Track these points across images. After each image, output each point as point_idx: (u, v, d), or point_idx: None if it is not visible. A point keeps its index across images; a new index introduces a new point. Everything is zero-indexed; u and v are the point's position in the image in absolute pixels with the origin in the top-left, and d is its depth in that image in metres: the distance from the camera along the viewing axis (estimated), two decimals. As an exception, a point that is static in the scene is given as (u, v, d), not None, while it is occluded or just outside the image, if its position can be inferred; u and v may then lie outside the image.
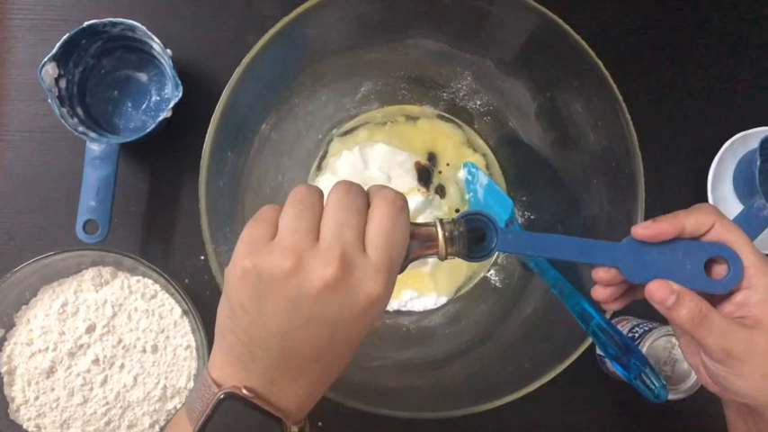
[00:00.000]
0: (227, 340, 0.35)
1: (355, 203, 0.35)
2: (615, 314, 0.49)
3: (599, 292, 0.41)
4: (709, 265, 0.38)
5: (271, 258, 0.33)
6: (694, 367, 0.41)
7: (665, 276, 0.38)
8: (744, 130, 0.63)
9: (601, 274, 0.40)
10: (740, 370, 0.37)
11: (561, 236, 0.39)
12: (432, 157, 0.62)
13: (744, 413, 0.40)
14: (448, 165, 0.62)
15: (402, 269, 0.38)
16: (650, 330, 0.55)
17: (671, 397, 0.54)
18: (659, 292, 0.37)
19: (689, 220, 0.38)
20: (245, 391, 0.34)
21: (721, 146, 0.63)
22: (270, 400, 0.34)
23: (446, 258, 0.38)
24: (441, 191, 0.62)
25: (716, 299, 0.38)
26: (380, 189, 0.36)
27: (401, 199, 0.35)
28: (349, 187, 0.36)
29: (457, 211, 0.62)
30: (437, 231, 0.37)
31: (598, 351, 0.61)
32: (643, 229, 0.38)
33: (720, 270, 0.38)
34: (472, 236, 0.38)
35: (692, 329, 0.37)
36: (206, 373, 0.36)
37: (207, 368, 0.36)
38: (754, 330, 0.37)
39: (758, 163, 0.58)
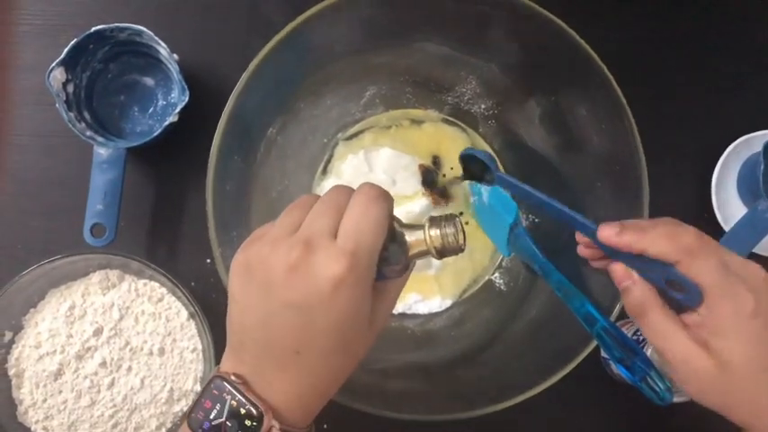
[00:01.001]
0: (228, 332, 0.37)
1: (337, 200, 0.36)
2: (620, 316, 0.49)
3: (582, 251, 0.43)
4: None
5: (254, 248, 0.36)
6: None
7: (633, 264, 0.39)
8: (748, 133, 0.63)
9: (579, 236, 0.43)
10: (674, 375, 0.38)
11: (549, 199, 0.42)
12: (436, 161, 0.63)
13: None
14: (452, 168, 0.62)
15: (404, 269, 0.38)
16: (655, 333, 0.55)
17: (676, 399, 0.54)
18: (618, 274, 0.39)
19: (653, 248, 0.37)
20: (232, 377, 0.35)
21: (725, 149, 0.63)
22: (256, 392, 0.35)
23: (441, 257, 0.38)
24: (445, 194, 0.62)
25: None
26: (361, 184, 0.37)
27: (375, 190, 0.36)
28: (339, 188, 0.37)
29: (461, 213, 0.62)
30: (425, 230, 0.37)
31: (603, 354, 0.61)
32: (606, 236, 0.38)
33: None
34: (471, 172, 0.43)
35: (634, 318, 0.39)
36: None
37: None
38: (702, 351, 0.37)
39: (762, 166, 0.58)
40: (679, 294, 0.38)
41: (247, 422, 0.35)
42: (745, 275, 0.37)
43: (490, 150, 0.63)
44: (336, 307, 0.34)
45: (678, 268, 0.37)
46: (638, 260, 0.38)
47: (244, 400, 0.35)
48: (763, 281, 0.37)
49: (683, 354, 0.37)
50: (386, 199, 0.36)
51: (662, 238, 0.37)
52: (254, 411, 0.34)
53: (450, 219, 0.37)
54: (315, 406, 0.37)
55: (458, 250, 0.37)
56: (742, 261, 0.38)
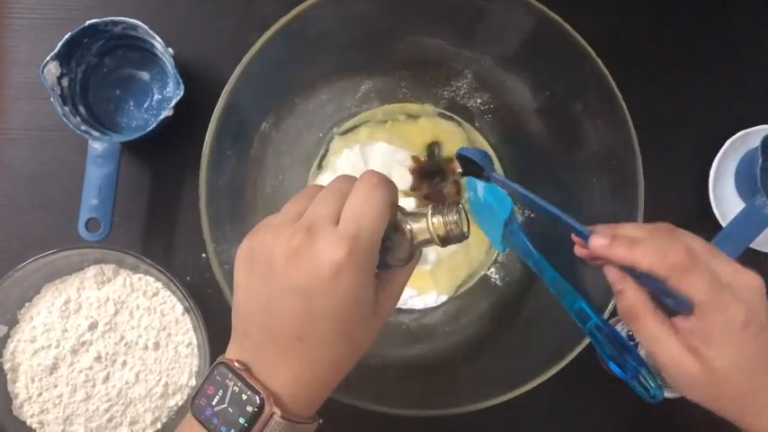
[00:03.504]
0: (233, 320, 0.38)
1: (341, 188, 0.36)
2: (613, 314, 0.49)
3: (579, 251, 0.42)
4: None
5: (258, 236, 0.36)
6: None
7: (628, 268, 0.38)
8: (745, 128, 0.63)
9: (576, 237, 0.42)
10: (665, 375, 0.38)
11: (544, 202, 0.41)
12: (433, 150, 0.62)
13: None
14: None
15: (408, 259, 0.38)
16: (650, 329, 0.55)
17: (671, 396, 0.54)
18: (612, 277, 0.39)
19: (643, 262, 0.37)
20: (236, 363, 0.36)
21: (723, 144, 0.63)
22: (258, 378, 0.35)
23: (445, 245, 0.37)
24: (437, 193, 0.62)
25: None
26: (364, 172, 0.37)
27: (377, 177, 0.36)
28: (343, 178, 0.38)
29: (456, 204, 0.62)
30: (428, 218, 0.37)
31: (598, 349, 0.61)
32: (598, 247, 0.38)
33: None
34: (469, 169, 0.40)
35: (627, 322, 0.39)
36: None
37: None
38: (692, 357, 0.37)
39: (759, 161, 0.58)
40: (672, 301, 0.38)
41: (248, 408, 0.35)
42: (738, 285, 0.37)
43: (488, 147, 0.63)
44: (336, 292, 0.34)
45: (669, 283, 0.37)
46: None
47: (245, 387, 0.35)
48: (755, 290, 0.37)
49: (674, 358, 0.37)
50: (387, 186, 0.36)
51: (652, 253, 0.37)
52: (256, 397, 0.35)
53: (452, 206, 0.37)
54: (318, 396, 0.37)
55: (461, 237, 0.37)
56: (734, 269, 0.38)
